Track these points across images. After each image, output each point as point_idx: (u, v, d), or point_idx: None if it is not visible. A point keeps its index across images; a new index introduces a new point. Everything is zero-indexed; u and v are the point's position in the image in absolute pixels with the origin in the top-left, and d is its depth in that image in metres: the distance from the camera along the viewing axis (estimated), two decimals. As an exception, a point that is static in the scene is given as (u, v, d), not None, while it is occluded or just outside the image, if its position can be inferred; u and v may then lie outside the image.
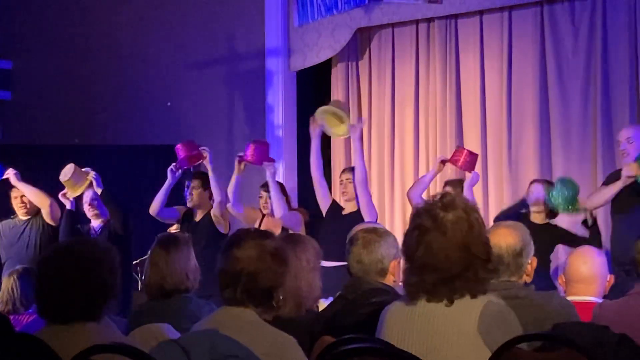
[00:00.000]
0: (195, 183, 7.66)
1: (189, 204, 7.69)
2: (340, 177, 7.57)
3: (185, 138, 9.45)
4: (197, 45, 9.72)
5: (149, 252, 4.71)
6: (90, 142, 9.93)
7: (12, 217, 7.83)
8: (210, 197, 7.72)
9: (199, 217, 7.66)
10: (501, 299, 3.17)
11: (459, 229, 3.06)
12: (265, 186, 7.67)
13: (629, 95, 7.74)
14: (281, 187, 7.66)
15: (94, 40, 10.26)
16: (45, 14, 10.54)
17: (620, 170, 6.82)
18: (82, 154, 9.51)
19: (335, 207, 7.47)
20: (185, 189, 7.73)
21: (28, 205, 7.77)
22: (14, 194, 7.79)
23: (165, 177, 7.62)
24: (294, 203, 8.61)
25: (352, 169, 7.53)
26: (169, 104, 9.85)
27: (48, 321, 3.14)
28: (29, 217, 7.78)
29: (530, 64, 8.25)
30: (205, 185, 7.67)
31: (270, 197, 7.50)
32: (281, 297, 3.34)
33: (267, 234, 3.44)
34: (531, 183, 7.13)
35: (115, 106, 10.09)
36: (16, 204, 7.79)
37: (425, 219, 3.09)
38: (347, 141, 9.32)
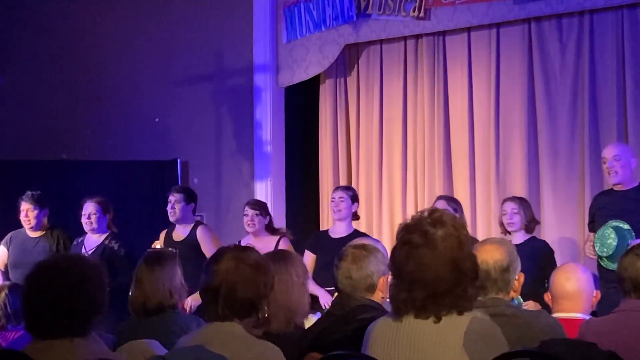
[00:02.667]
0: (177, 197, 7.59)
1: (171, 219, 7.61)
2: (332, 194, 7.61)
3: (173, 154, 9.49)
4: (185, 61, 9.71)
5: (136, 269, 4.70)
6: (77, 158, 9.91)
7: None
8: (194, 212, 7.65)
9: (179, 236, 7.60)
10: (487, 315, 3.17)
11: (449, 245, 3.06)
12: (250, 204, 7.64)
13: (616, 111, 7.75)
14: (263, 206, 7.62)
15: (81, 55, 10.25)
16: (32, 30, 10.52)
17: (604, 194, 6.89)
18: (70, 169, 9.50)
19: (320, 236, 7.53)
20: (168, 204, 7.64)
21: (33, 221, 7.64)
22: (22, 207, 7.65)
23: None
24: (281, 221, 8.59)
25: (346, 188, 7.67)
26: (156, 119, 9.84)
27: (35, 337, 3.12)
28: (39, 234, 7.67)
29: (518, 80, 8.26)
30: (188, 199, 7.62)
31: (256, 215, 7.45)
32: (266, 309, 3.34)
33: (247, 249, 3.45)
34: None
35: (102, 121, 10.07)
36: (22, 218, 7.68)
37: (415, 234, 3.09)
38: (336, 160, 9.33)
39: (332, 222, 7.76)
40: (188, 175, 9.52)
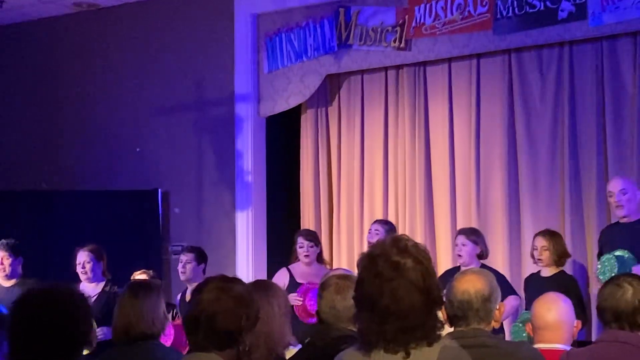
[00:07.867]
0: (188, 257, 7.64)
1: (182, 278, 7.67)
2: (370, 227, 7.95)
3: (154, 183, 9.46)
4: (167, 91, 9.71)
5: (119, 297, 4.69)
6: (57, 188, 9.87)
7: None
8: (204, 272, 7.66)
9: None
10: (457, 343, 3.13)
11: (419, 275, 3.02)
12: (304, 235, 7.83)
13: (596, 142, 7.80)
14: (316, 236, 7.90)
15: (63, 85, 10.24)
16: (14, 60, 10.52)
17: (611, 226, 7.03)
18: (50, 199, 9.47)
19: None
20: (179, 263, 7.68)
21: (7, 269, 7.46)
22: None
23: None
24: (262, 251, 8.56)
25: (383, 222, 7.97)
26: (137, 149, 9.82)
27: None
28: (12, 282, 7.47)
29: (499, 111, 8.30)
30: (200, 259, 7.66)
31: (311, 246, 7.67)
32: (248, 342, 3.31)
33: (233, 280, 3.42)
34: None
35: (83, 151, 10.05)
36: None
37: (384, 266, 3.02)
38: (317, 190, 9.33)
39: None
40: (169, 205, 9.50)
